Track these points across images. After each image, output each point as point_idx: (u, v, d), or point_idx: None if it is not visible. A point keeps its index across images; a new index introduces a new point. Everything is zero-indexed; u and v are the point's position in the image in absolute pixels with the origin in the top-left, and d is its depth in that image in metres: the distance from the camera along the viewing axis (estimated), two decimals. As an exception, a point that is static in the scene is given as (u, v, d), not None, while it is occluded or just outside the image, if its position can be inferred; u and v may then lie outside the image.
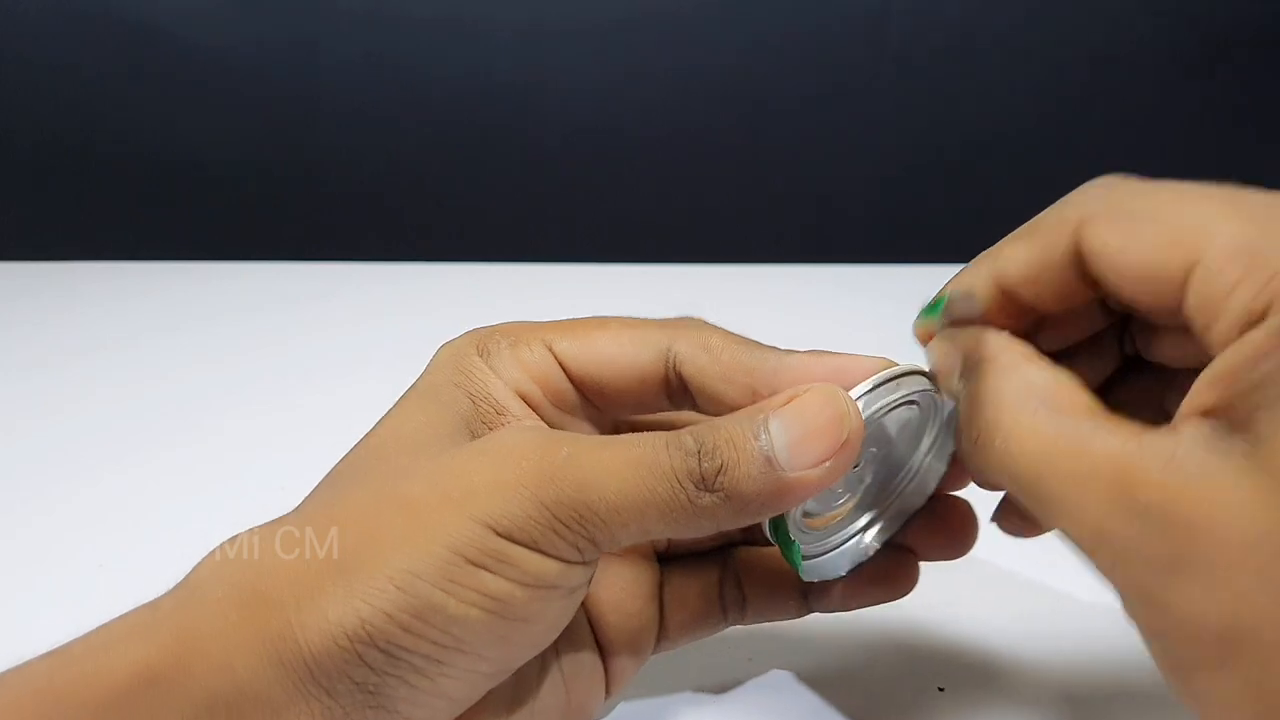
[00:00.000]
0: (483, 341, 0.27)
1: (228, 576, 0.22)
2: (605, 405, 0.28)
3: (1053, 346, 0.27)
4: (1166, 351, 0.26)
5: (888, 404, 0.24)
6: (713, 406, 0.26)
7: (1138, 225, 0.22)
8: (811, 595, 0.29)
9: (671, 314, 0.28)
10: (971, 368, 0.24)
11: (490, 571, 0.21)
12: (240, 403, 0.52)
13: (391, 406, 0.27)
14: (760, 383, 0.25)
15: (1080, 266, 0.23)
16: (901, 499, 0.28)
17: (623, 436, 0.23)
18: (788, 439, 0.22)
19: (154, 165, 1.19)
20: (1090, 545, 0.21)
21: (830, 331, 0.62)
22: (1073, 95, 1.17)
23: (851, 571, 0.28)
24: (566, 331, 0.27)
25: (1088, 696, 0.30)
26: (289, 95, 1.17)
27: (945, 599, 0.34)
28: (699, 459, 0.22)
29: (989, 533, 0.28)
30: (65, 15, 1.13)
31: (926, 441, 0.27)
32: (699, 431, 0.23)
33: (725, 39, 1.16)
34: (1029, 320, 0.26)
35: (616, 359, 0.27)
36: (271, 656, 0.21)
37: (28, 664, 0.22)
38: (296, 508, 0.25)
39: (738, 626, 0.33)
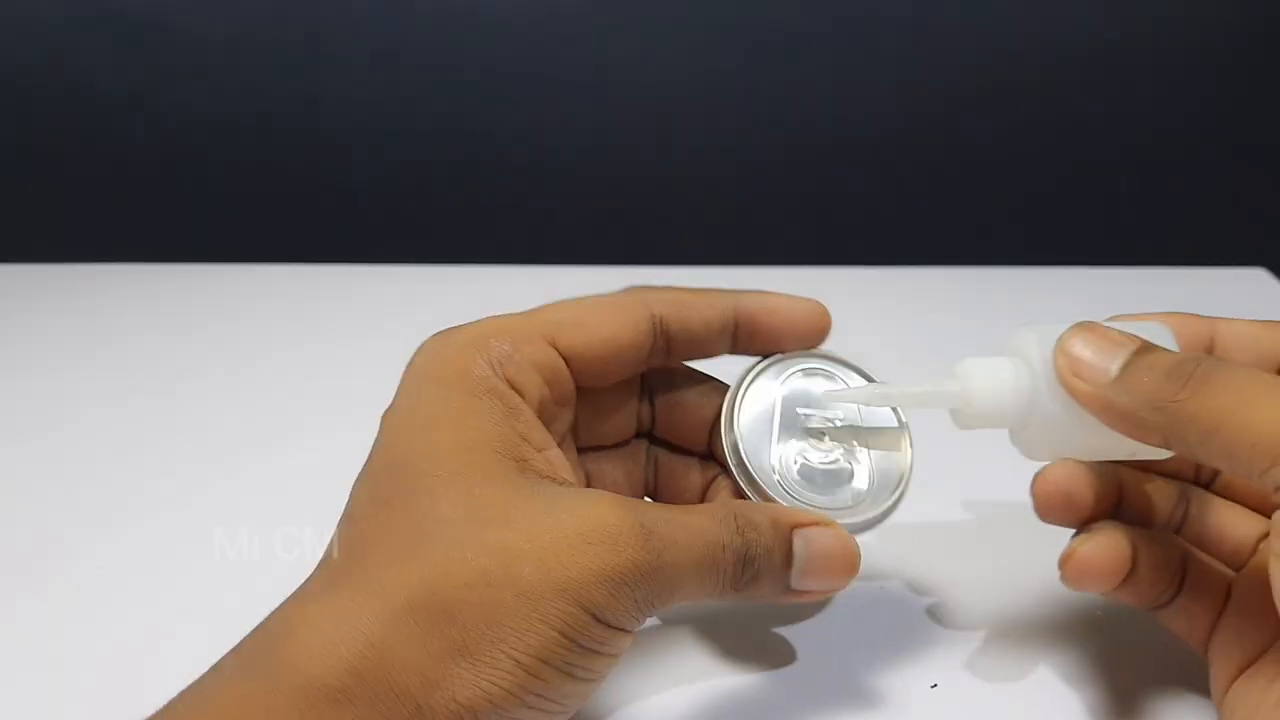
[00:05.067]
0: (482, 347, 0.27)
1: (347, 663, 0.22)
2: (597, 382, 0.29)
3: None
4: None
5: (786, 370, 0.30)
6: (691, 351, 0.29)
7: None
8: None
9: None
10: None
11: (594, 651, 0.24)
12: (241, 404, 0.52)
13: (393, 431, 0.26)
14: (730, 318, 0.29)
15: None
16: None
17: (688, 513, 0.25)
18: (805, 569, 0.26)
19: (154, 165, 1.19)
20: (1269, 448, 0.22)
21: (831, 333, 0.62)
22: (1075, 97, 1.17)
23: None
24: (561, 323, 0.28)
25: (1081, 693, 0.30)
26: (289, 97, 1.17)
27: (937, 596, 0.35)
28: (747, 548, 0.25)
29: (986, 531, 0.28)
30: (65, 14, 1.13)
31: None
32: (747, 522, 0.26)
33: (725, 40, 1.16)
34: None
35: (616, 337, 0.28)
36: None
37: None
38: (340, 558, 0.25)
39: (732, 625, 0.33)
